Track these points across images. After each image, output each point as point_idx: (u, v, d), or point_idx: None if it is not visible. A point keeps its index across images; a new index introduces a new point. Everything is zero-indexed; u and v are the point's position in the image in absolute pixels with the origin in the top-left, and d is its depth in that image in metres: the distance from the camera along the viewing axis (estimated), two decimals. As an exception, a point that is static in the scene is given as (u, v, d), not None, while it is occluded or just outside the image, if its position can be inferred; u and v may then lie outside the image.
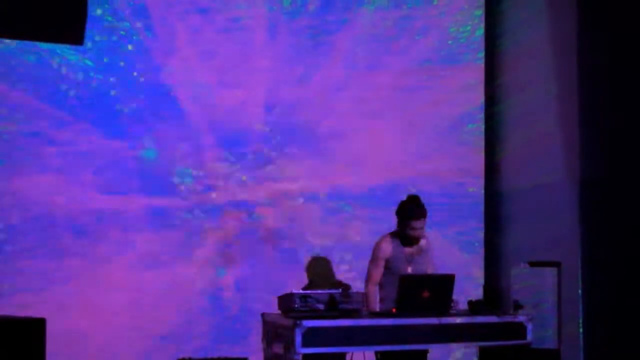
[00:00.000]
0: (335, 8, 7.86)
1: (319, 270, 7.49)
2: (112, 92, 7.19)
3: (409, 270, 6.30)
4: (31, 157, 6.96)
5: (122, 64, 7.23)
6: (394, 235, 6.38)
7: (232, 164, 7.51)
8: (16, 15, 6.72)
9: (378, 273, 6.33)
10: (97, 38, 7.14)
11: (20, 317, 6.13)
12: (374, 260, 6.35)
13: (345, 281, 7.39)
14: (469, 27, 8.29)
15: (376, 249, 6.36)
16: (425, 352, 6.29)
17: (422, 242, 6.44)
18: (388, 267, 6.33)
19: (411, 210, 6.29)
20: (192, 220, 7.36)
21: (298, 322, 5.51)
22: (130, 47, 7.25)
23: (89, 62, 7.13)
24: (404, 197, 6.43)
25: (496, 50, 8.39)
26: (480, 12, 8.34)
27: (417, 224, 6.27)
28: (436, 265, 6.56)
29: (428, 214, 6.33)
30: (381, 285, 6.35)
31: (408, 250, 6.36)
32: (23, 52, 6.95)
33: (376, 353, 6.26)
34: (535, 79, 8.00)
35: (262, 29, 7.65)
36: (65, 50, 7.03)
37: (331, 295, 5.71)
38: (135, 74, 7.27)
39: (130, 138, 7.24)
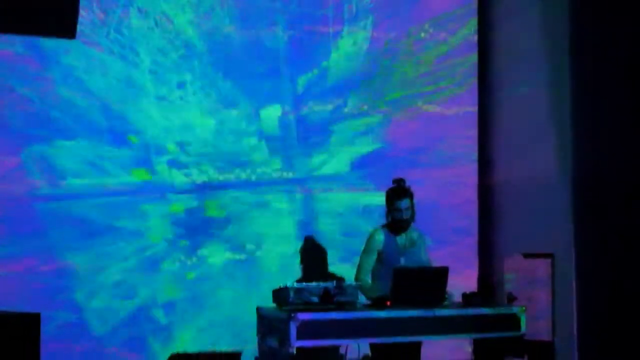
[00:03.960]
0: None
1: (313, 261, 7.50)
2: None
3: (402, 261, 6.32)
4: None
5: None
6: (385, 227, 6.41)
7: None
8: (6, 9, 6.71)
9: (369, 264, 6.35)
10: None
11: (14, 311, 6.12)
12: (366, 251, 6.39)
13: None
14: (462, 24, 8.29)
15: (369, 240, 6.40)
16: (419, 344, 6.31)
17: (414, 234, 6.45)
18: (380, 260, 6.35)
19: (394, 191, 6.33)
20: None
21: (292, 315, 5.52)
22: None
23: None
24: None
25: (489, 43, 8.40)
26: (474, 9, 8.35)
27: (401, 204, 6.29)
28: (430, 259, 6.57)
29: (414, 196, 6.37)
30: (374, 278, 6.36)
31: (400, 242, 6.38)
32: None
33: (371, 345, 6.27)
34: (528, 75, 8.01)
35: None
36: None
37: (326, 288, 5.72)
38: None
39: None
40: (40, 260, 6.92)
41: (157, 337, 7.23)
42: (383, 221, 6.46)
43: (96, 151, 7.14)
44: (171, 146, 7.40)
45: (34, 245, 6.92)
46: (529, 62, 7.99)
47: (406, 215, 6.32)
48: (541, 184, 7.79)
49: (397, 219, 6.32)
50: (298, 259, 7.49)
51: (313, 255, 7.52)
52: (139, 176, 7.29)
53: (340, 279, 6.90)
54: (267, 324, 5.86)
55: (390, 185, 6.41)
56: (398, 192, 6.33)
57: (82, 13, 7.06)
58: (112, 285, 7.15)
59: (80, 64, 7.12)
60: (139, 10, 7.31)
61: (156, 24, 7.35)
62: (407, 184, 6.41)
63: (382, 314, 5.76)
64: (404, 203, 6.30)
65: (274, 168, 7.65)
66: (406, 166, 7.90)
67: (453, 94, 8.24)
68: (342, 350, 6.32)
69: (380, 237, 6.36)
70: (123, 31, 7.25)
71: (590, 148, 7.53)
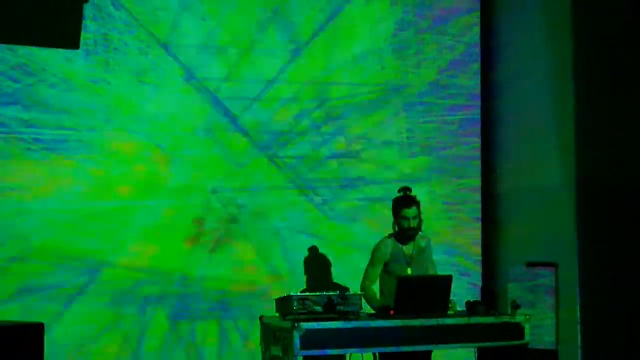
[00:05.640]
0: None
1: (317, 272, 7.50)
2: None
3: (409, 271, 6.31)
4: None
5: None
6: (392, 236, 6.40)
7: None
8: (12, 20, 6.74)
9: (375, 274, 6.35)
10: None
11: (19, 322, 6.13)
12: (372, 261, 6.37)
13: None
14: (465, 32, 8.31)
15: (375, 250, 6.38)
16: (429, 352, 6.31)
17: (423, 242, 6.44)
18: (388, 271, 6.33)
19: (402, 200, 6.32)
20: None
21: (296, 324, 5.52)
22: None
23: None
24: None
25: (492, 50, 8.41)
26: (477, 13, 8.36)
27: (409, 212, 6.27)
28: (435, 266, 6.57)
29: (421, 205, 6.36)
30: (382, 291, 6.36)
31: (408, 251, 6.36)
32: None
33: (374, 355, 6.27)
34: (531, 79, 8.01)
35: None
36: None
37: (329, 298, 5.72)
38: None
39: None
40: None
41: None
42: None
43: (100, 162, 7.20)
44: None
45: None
46: (532, 71, 7.99)
47: (414, 224, 6.30)
48: (545, 192, 7.79)
49: (404, 228, 6.30)
50: (303, 270, 7.51)
51: (317, 266, 7.52)
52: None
53: (344, 289, 6.91)
54: (271, 334, 5.87)
55: (397, 194, 6.41)
56: (405, 201, 6.30)
57: (86, 24, 7.10)
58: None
59: (84, 75, 7.16)
60: (142, 23, 7.34)
61: (160, 37, 7.39)
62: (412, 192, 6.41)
63: (385, 323, 5.76)
64: (412, 212, 6.28)
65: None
66: (409, 173, 7.91)
67: (456, 103, 8.24)
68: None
69: (388, 247, 6.35)
70: (127, 42, 7.27)
71: (594, 156, 7.52)
